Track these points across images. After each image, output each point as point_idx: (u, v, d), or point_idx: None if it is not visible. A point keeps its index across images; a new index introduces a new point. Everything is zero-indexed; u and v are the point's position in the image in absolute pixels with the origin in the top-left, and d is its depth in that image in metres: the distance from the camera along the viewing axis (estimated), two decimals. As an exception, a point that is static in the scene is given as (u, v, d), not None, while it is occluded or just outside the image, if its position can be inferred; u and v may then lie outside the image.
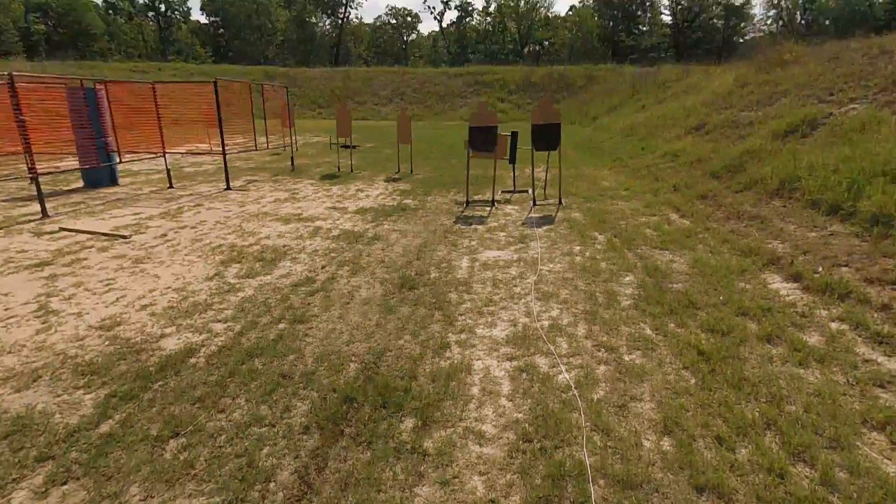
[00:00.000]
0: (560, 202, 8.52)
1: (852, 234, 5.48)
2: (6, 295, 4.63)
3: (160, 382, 3.21)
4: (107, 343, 3.74)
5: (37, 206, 7.73)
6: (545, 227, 7.03)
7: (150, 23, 59.39)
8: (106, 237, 6.58)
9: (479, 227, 7.17)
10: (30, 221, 7.39)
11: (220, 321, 4.12)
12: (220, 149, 10.27)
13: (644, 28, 62.56)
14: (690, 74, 22.76)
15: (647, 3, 62.11)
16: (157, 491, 2.32)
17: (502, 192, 9.67)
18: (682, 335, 3.77)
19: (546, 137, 8.51)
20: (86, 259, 5.68)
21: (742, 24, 59.13)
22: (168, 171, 10.40)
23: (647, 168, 11.18)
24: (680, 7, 59.58)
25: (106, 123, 10.01)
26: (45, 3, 51.51)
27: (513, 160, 9.77)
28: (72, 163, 9.78)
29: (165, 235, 6.71)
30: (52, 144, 8.89)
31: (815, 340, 3.61)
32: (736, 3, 57.93)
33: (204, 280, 5.06)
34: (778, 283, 4.69)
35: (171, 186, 10.19)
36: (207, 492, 2.32)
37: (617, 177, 10.87)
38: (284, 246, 6.23)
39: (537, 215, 7.82)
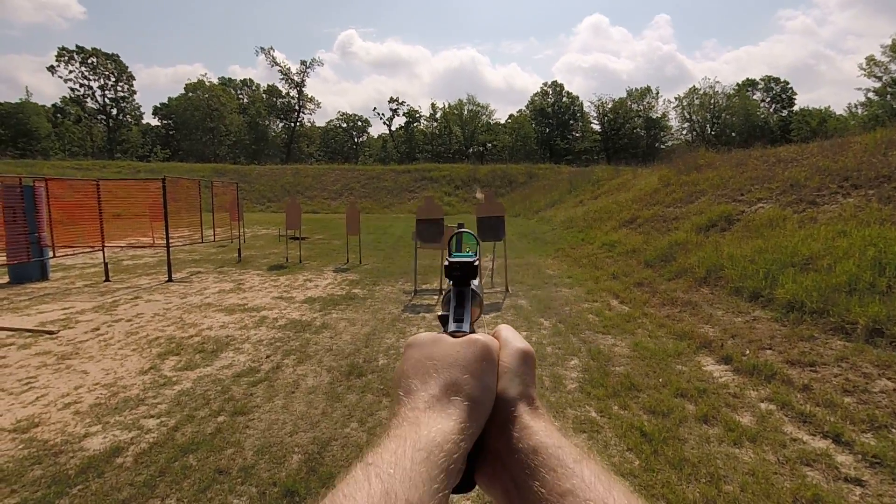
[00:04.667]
0: (507, 289, 8.77)
1: (772, 319, 5.91)
2: None
3: (80, 486, 2.93)
4: (20, 447, 3.41)
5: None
6: (492, 314, 7.17)
7: (101, 125, 59.90)
8: (29, 333, 6.16)
9: (426, 315, 7.23)
10: (-57, 319, 6.84)
11: (152, 416, 3.86)
12: (164, 242, 10.09)
13: (577, 134, 68.94)
14: (620, 174, 24.84)
15: (578, 114, 69.07)
16: None
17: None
18: (625, 417, 3.85)
19: (491, 229, 8.95)
20: (4, 357, 5.26)
21: (661, 133, 66.66)
22: (105, 264, 10.02)
23: (588, 257, 11.81)
24: (607, 118, 66.71)
25: (42, 219, 9.81)
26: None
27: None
28: (-1, 258, 9.33)
29: (97, 329, 6.35)
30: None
31: (747, 420, 3.76)
32: (655, 117, 65.88)
33: (137, 374, 4.77)
34: (711, 366, 4.92)
35: (107, 280, 9.77)
36: None
37: (560, 265, 11.37)
38: (227, 336, 6.02)
39: (485, 302, 7.97)
